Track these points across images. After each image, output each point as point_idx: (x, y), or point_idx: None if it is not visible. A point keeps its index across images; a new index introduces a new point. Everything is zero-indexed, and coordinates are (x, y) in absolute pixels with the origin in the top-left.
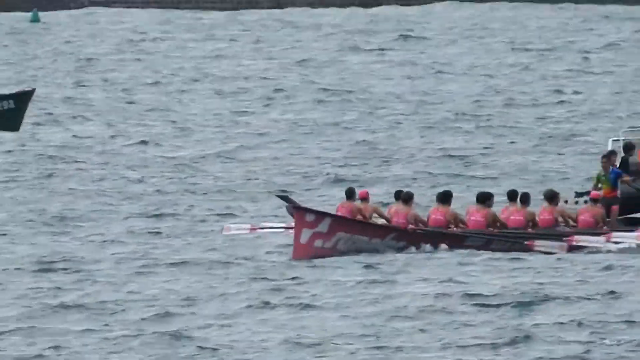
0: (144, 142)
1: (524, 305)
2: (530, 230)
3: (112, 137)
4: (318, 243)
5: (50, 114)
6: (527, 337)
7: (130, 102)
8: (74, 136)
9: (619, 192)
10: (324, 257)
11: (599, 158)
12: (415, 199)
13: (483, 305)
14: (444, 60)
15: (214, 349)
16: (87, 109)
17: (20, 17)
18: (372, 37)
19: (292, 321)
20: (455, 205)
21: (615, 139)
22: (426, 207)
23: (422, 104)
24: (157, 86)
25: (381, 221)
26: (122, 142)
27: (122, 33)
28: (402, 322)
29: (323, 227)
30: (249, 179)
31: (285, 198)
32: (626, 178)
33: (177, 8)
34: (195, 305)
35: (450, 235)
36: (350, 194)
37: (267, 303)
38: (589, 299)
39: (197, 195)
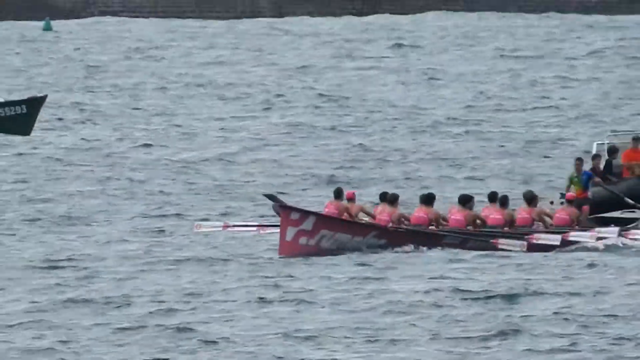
0: (148, 145)
1: (512, 300)
2: (506, 229)
3: (119, 140)
4: (303, 240)
5: (61, 119)
6: (515, 331)
7: (137, 108)
8: (82, 139)
9: (589, 193)
10: (308, 254)
11: (573, 160)
12: (407, 200)
13: (472, 300)
14: (436, 67)
15: (215, 342)
16: (95, 114)
17: (33, 26)
18: (368, 45)
19: (289, 315)
20: (442, 206)
21: (600, 142)
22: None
23: (415, 109)
24: (162, 92)
25: (368, 219)
26: (128, 145)
27: (129, 41)
28: (395, 316)
29: (307, 225)
30: (249, 180)
31: (271, 197)
32: (597, 179)
33: (182, 17)
34: (197, 301)
35: (428, 234)
36: (338, 194)
37: (265, 298)
38: (574, 294)
39: (199, 196)
